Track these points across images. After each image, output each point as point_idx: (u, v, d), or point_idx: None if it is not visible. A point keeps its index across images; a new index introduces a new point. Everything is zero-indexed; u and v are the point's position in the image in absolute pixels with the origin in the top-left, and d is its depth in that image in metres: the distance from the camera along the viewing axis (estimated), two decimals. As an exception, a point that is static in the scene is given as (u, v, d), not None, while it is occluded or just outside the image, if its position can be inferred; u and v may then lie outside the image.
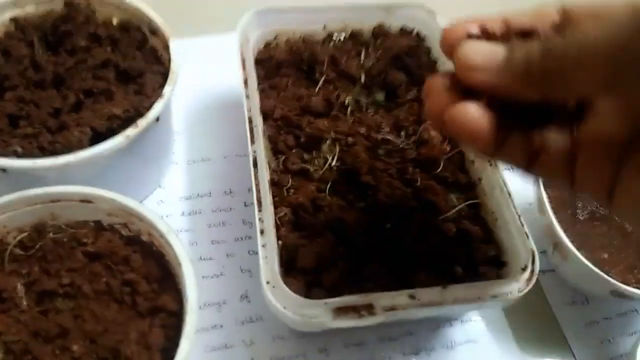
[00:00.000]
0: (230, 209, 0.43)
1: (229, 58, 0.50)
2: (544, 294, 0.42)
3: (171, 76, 0.39)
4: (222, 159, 0.47)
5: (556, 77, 0.21)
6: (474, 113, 0.23)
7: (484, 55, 0.22)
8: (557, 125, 0.23)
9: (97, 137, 0.36)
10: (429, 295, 0.31)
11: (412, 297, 0.31)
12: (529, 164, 0.24)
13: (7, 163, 0.33)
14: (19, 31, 0.43)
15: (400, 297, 0.31)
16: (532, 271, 0.33)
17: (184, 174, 0.45)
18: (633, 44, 0.19)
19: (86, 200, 0.32)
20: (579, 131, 0.22)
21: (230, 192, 0.44)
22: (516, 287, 0.33)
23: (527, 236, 0.34)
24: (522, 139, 0.23)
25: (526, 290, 0.32)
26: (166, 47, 0.42)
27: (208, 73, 0.52)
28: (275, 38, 0.48)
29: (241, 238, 0.42)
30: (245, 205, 0.44)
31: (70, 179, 0.34)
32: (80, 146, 0.35)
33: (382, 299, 0.31)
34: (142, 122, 0.35)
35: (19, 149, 0.34)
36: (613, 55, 0.19)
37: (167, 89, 0.38)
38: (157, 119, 0.37)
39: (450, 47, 0.24)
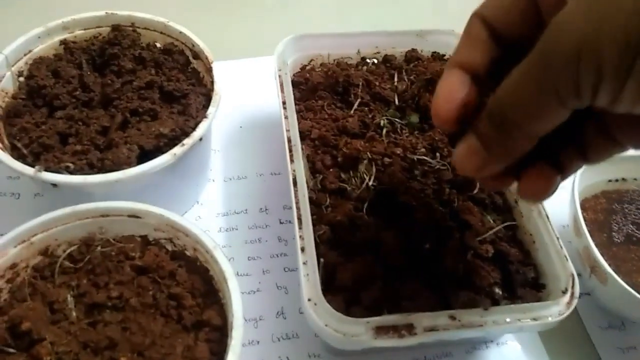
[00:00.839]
0: (266, 226, 0.44)
1: (263, 80, 0.52)
2: (580, 317, 0.42)
3: (215, 98, 0.40)
4: (257, 177, 0.48)
5: (519, 120, 0.22)
6: (545, 180, 0.26)
7: (467, 159, 0.25)
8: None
9: (144, 155, 0.37)
10: (470, 317, 0.31)
11: (452, 317, 0.31)
12: (592, 159, 0.26)
13: (58, 178, 0.35)
14: (68, 53, 0.45)
15: (440, 318, 0.31)
16: (572, 294, 0.33)
17: (221, 191, 0.46)
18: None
19: (134, 216, 0.33)
20: (606, 117, 0.24)
21: (266, 209, 0.45)
22: (556, 310, 0.32)
23: (567, 259, 0.34)
24: (570, 155, 0.26)
25: (567, 314, 0.32)
26: (208, 70, 0.43)
27: (244, 94, 0.54)
28: (310, 62, 0.49)
29: (277, 255, 0.42)
30: (280, 222, 0.44)
31: (116, 195, 0.35)
32: (128, 163, 0.36)
33: (423, 319, 0.31)
34: (188, 141, 0.37)
35: (71, 165, 0.35)
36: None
37: (211, 110, 0.39)
38: (201, 139, 0.38)
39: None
